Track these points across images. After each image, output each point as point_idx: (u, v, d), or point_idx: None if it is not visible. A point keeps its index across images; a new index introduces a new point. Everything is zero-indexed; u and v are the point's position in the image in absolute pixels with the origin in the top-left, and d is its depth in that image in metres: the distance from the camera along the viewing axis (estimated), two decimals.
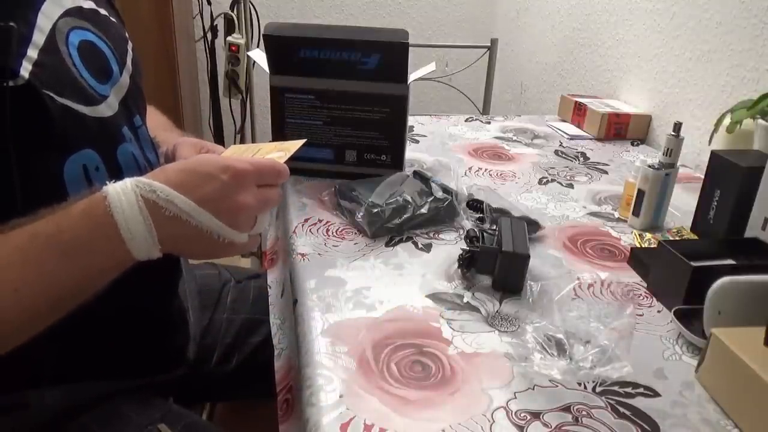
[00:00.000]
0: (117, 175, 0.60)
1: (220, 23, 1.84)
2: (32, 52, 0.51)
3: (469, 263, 0.63)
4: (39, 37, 0.52)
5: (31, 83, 0.50)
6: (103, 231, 0.46)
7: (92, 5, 0.62)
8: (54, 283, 0.46)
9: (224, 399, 0.94)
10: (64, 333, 0.50)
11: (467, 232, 0.67)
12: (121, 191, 0.46)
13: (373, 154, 0.86)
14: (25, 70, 0.50)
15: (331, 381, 0.49)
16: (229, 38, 1.69)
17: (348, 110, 0.83)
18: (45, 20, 0.54)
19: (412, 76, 0.83)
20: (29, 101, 0.50)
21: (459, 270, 0.65)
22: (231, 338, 0.84)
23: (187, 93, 2.04)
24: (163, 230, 0.47)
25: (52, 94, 0.52)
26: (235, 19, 1.71)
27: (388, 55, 0.78)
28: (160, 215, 0.47)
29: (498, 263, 0.62)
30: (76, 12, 0.58)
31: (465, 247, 0.65)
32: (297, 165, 0.91)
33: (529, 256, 0.61)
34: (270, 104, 0.85)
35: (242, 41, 1.70)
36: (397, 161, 0.87)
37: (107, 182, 0.48)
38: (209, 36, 1.90)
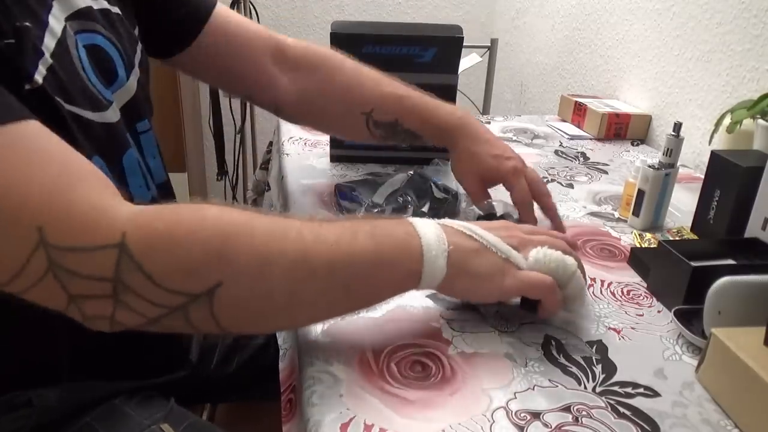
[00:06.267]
0: (122, 182, 0.60)
1: None
2: (46, 55, 0.50)
3: None
4: (51, 41, 0.51)
5: (44, 88, 0.49)
6: (404, 227, 0.51)
7: (104, 4, 0.60)
8: (358, 260, 0.47)
9: (225, 400, 0.94)
10: (80, 333, 0.50)
11: None
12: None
13: None
14: (39, 74, 0.48)
15: (331, 381, 0.49)
16: None
17: None
18: (55, 22, 0.52)
19: (460, 67, 0.93)
20: (42, 108, 0.49)
21: None
22: (231, 340, 0.83)
23: (187, 92, 2.04)
24: (452, 238, 0.51)
25: (61, 101, 0.51)
26: None
27: (443, 48, 0.88)
28: (449, 228, 0.52)
29: None
30: (87, 13, 0.57)
31: None
32: (350, 153, 0.96)
33: None
34: None
35: None
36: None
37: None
38: None
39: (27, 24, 0.48)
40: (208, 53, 0.74)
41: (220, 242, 0.43)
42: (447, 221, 0.53)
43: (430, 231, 0.50)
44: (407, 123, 0.77)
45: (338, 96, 0.78)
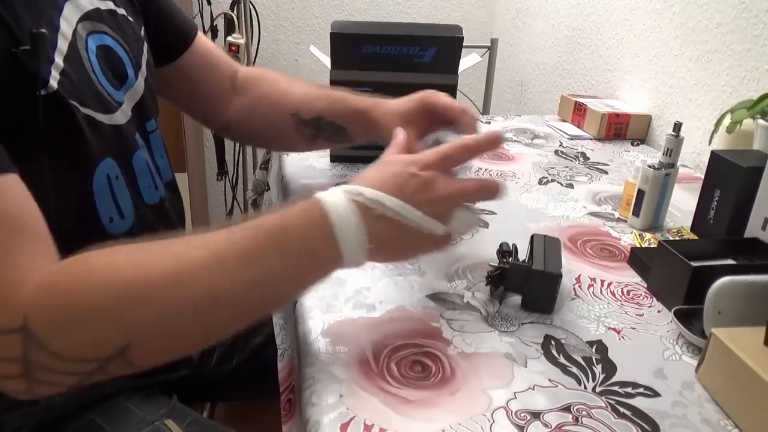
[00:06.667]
0: (133, 182, 0.60)
1: (220, 23, 1.83)
2: (58, 60, 0.50)
3: (499, 281, 0.60)
4: (63, 44, 0.51)
5: (59, 93, 0.49)
6: (320, 232, 0.46)
7: (110, 5, 0.61)
8: (270, 279, 0.46)
9: (224, 399, 0.94)
10: None
11: (500, 245, 0.63)
12: (332, 195, 0.48)
13: None
14: (54, 79, 0.49)
15: (331, 381, 0.49)
16: (229, 38, 1.69)
17: None
18: (66, 25, 0.53)
19: (460, 67, 0.93)
20: (57, 112, 0.49)
21: (488, 287, 0.62)
22: (231, 339, 0.84)
23: None
24: (372, 227, 0.48)
25: (76, 104, 0.51)
26: (235, 19, 1.71)
27: (443, 48, 0.88)
28: (369, 215, 0.48)
29: (527, 282, 0.58)
30: (95, 14, 0.57)
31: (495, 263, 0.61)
32: (350, 153, 0.95)
33: (560, 276, 0.58)
34: None
35: (242, 41, 1.70)
36: None
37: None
38: (209, 36, 1.90)
39: (43, 31, 0.48)
40: (187, 71, 0.76)
41: (117, 311, 0.42)
42: (361, 189, 0.48)
43: (348, 227, 0.47)
44: (329, 116, 0.77)
45: (270, 103, 0.80)
